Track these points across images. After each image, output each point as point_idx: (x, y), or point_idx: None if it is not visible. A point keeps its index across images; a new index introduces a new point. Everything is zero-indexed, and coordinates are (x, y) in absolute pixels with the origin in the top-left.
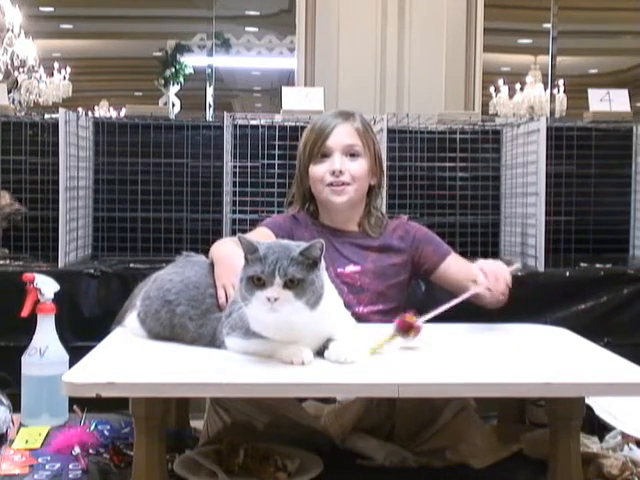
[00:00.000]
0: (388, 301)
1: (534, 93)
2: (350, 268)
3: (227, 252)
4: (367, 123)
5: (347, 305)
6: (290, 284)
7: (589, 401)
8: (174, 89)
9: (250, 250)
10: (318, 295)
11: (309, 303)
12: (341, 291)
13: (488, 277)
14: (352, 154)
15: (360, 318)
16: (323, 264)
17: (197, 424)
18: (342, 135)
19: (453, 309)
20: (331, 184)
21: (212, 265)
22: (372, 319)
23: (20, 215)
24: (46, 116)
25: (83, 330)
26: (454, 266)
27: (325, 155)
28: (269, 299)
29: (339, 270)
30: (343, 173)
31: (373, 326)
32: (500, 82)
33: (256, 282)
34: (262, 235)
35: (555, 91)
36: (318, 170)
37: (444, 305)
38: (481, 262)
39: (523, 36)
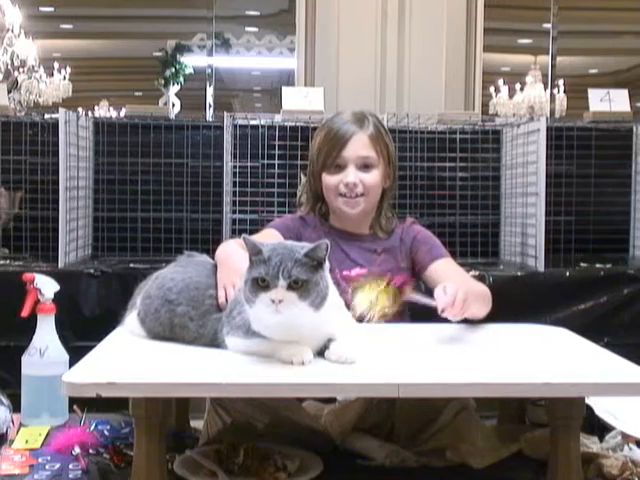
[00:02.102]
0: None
1: (534, 93)
2: (356, 271)
3: (230, 253)
4: (381, 124)
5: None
6: (294, 285)
7: (589, 401)
8: (174, 89)
9: (254, 251)
10: (323, 296)
11: (314, 304)
12: (346, 293)
13: (447, 300)
14: (366, 165)
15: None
16: (327, 265)
17: (197, 424)
18: (357, 147)
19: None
20: (344, 195)
21: (216, 266)
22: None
23: (20, 201)
24: (46, 116)
25: (83, 330)
26: (441, 271)
27: (339, 166)
28: (273, 301)
29: (345, 272)
30: (357, 186)
31: (374, 326)
32: (500, 82)
33: (260, 284)
34: (270, 236)
35: (555, 91)
36: (332, 180)
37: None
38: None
39: (523, 36)
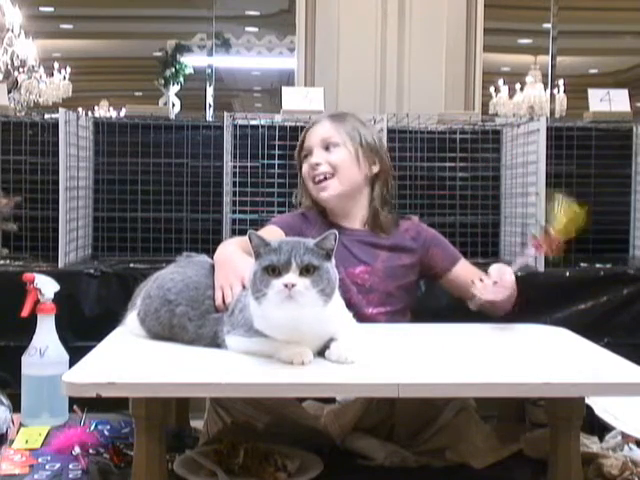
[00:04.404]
0: (396, 302)
1: (534, 93)
2: (360, 268)
3: (229, 254)
4: (357, 119)
5: (355, 306)
6: (306, 273)
7: (589, 401)
8: (174, 89)
9: (262, 244)
10: (332, 287)
11: (324, 293)
12: (350, 291)
13: (492, 276)
14: (329, 145)
15: (368, 319)
16: (333, 261)
17: (197, 424)
18: (319, 131)
19: (453, 310)
20: (313, 179)
21: (214, 266)
22: (379, 320)
23: (18, 204)
24: (46, 116)
25: (83, 330)
26: (463, 272)
27: (309, 153)
28: (286, 285)
29: (349, 270)
30: (320, 164)
31: (374, 326)
32: (500, 82)
33: (271, 273)
34: (272, 234)
35: (555, 91)
36: (304, 169)
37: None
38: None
39: (523, 36)
